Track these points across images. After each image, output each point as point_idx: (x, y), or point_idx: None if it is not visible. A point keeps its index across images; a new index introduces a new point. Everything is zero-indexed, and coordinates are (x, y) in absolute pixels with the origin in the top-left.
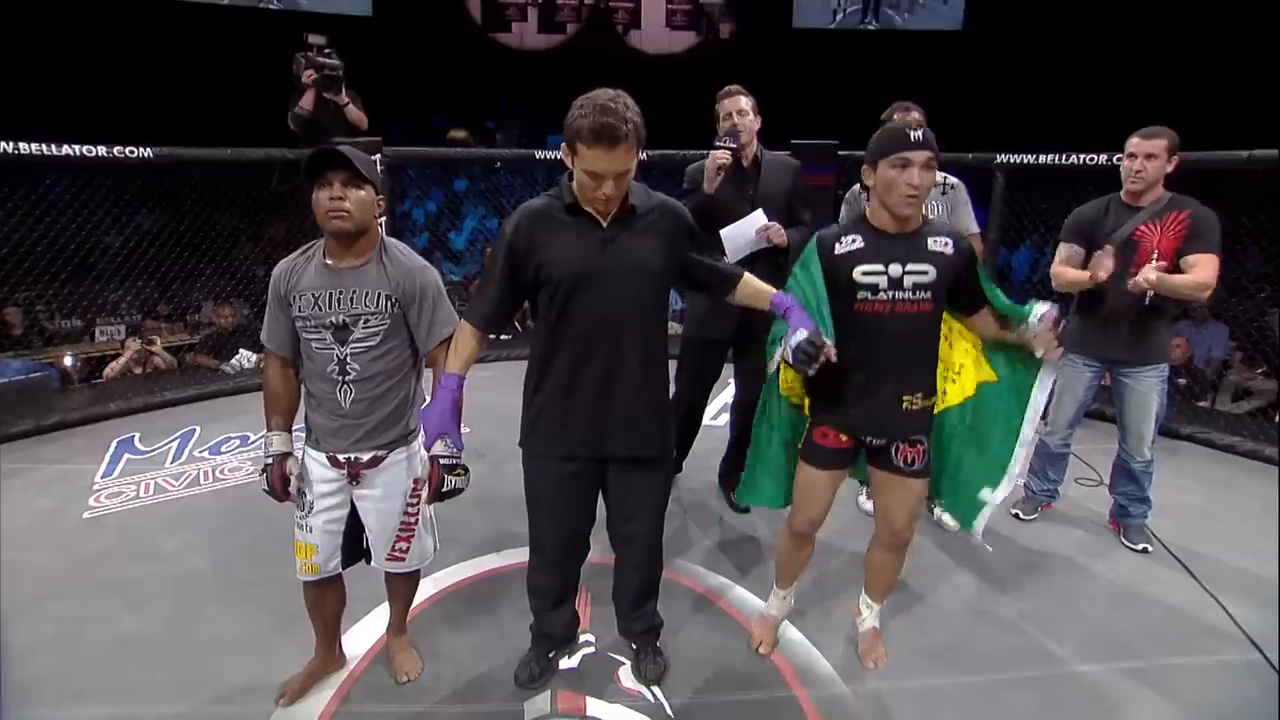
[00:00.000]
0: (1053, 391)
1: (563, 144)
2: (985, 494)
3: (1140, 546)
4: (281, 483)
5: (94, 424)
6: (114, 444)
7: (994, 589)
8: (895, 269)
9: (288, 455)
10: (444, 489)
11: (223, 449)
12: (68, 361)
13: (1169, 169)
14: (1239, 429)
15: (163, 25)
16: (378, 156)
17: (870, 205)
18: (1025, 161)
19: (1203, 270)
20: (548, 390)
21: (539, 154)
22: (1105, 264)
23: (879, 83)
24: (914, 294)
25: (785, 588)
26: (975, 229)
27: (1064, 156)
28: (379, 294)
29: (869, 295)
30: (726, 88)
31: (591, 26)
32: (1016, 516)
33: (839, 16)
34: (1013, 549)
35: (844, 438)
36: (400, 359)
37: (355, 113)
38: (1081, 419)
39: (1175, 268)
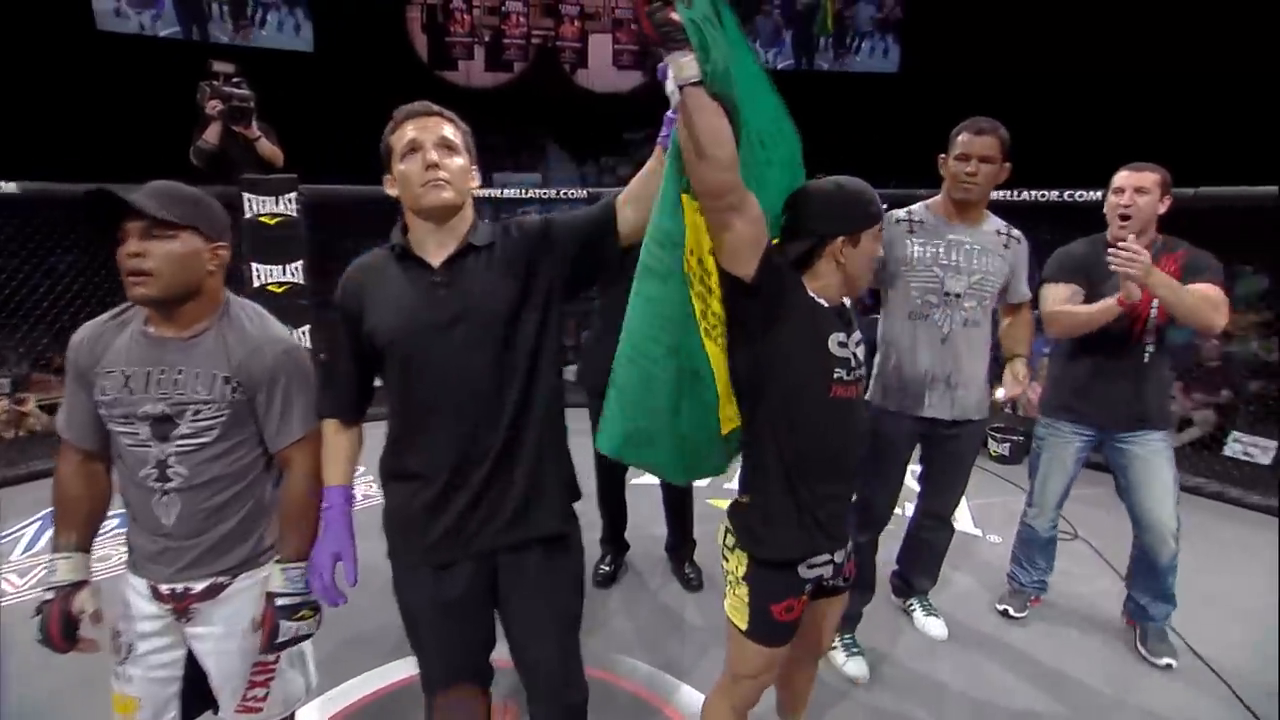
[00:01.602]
0: (1037, 468)
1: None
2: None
3: (1164, 662)
4: (61, 627)
5: None
6: None
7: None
8: (851, 341)
9: (80, 586)
10: (280, 638)
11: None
12: None
13: (1162, 209)
14: (1231, 476)
15: (94, 56)
16: (293, 195)
17: (819, 278)
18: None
19: (1211, 290)
20: (407, 484)
21: (484, 192)
22: (1133, 290)
23: (821, 123)
24: (865, 369)
25: None
26: (1029, 294)
27: (1015, 193)
28: (213, 376)
29: (843, 374)
30: None
31: (539, 65)
32: (1005, 614)
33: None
34: (1006, 657)
35: (806, 597)
36: (248, 459)
37: (269, 147)
38: (1068, 495)
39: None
